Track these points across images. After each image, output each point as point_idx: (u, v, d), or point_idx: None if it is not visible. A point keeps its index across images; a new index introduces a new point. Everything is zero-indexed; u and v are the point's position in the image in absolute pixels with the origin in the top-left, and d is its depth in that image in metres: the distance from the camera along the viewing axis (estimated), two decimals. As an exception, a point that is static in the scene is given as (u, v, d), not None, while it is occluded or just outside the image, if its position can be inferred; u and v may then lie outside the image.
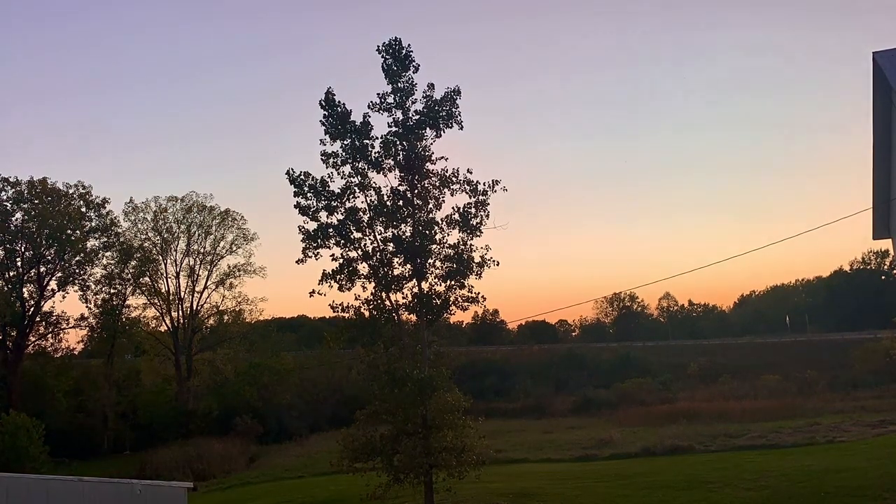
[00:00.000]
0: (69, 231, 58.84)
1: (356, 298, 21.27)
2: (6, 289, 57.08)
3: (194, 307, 66.52)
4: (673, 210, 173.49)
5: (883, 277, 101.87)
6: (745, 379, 56.21)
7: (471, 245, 21.09)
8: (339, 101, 20.93)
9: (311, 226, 21.32)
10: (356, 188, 21.23)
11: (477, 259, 21.08)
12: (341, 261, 21.30)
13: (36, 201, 58.16)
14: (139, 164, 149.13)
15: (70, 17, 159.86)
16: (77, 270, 60.72)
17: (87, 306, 61.77)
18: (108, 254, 62.15)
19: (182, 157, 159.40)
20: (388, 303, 21.32)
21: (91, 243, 61.26)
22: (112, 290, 62.60)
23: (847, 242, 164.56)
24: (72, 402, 59.84)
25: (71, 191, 60.08)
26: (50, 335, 61.21)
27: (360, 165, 21.16)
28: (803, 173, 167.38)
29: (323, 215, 21.33)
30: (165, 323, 65.68)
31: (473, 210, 21.03)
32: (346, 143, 21.07)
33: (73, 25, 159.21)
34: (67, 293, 60.72)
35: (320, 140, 21.22)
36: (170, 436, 51.55)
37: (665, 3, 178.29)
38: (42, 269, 59.12)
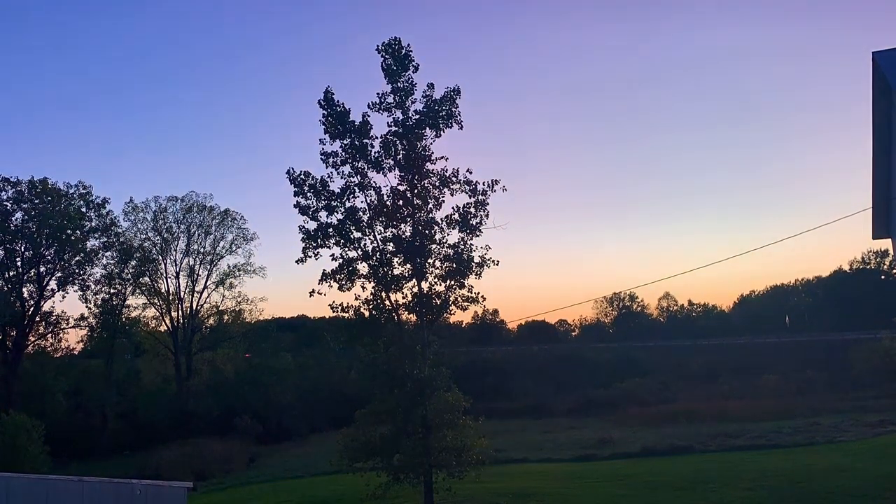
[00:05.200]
0: (69, 231, 58.80)
1: (356, 298, 21.33)
2: (6, 289, 57.05)
3: (194, 307, 66.62)
4: (673, 210, 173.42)
5: (883, 277, 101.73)
6: (745, 379, 56.10)
7: (470, 245, 21.15)
8: (338, 101, 20.98)
9: (311, 225, 21.40)
10: (356, 188, 21.27)
11: (477, 259, 21.13)
12: (341, 261, 21.34)
13: (36, 201, 58.12)
14: (139, 164, 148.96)
15: (69, 17, 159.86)
16: (77, 270, 60.70)
17: (86, 306, 61.85)
18: (108, 254, 62.22)
19: (182, 157, 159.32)
20: (388, 303, 21.34)
21: (91, 243, 61.31)
22: (112, 290, 62.62)
23: (847, 242, 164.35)
24: (72, 402, 59.84)
25: (71, 191, 60.12)
26: (50, 335, 61.23)
27: (359, 165, 21.20)
28: (803, 173, 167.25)
29: (323, 215, 21.39)
30: (165, 323, 65.77)
31: (473, 210, 21.07)
32: (345, 142, 21.11)
33: (72, 25, 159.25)
34: (67, 293, 60.75)
35: (320, 140, 21.30)
36: (170, 436, 51.53)
37: (663, 2, 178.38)
38: (42, 269, 59.07)
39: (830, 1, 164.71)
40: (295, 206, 21.28)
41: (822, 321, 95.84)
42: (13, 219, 57.79)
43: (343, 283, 21.30)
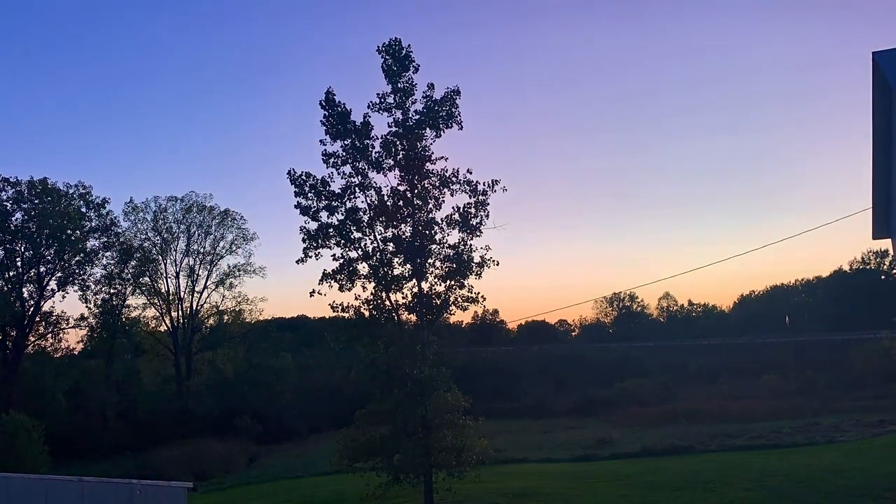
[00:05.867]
0: (69, 231, 58.73)
1: (356, 298, 21.37)
2: (6, 289, 57.01)
3: (194, 307, 66.55)
4: (673, 210, 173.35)
5: (883, 277, 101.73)
6: (744, 379, 56.11)
7: (471, 245, 21.18)
8: (339, 102, 21.02)
9: (312, 226, 21.45)
10: (356, 188, 21.30)
11: (477, 259, 21.17)
12: (341, 261, 21.37)
13: (36, 201, 58.05)
14: (139, 164, 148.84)
15: (70, 17, 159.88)
16: (77, 270, 60.64)
17: (86, 306, 61.73)
18: (108, 254, 62.09)
19: (182, 157, 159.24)
20: (388, 303, 21.37)
21: (91, 243, 61.17)
22: (112, 290, 62.53)
23: (847, 242, 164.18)
24: (72, 402, 59.79)
25: (71, 191, 59.99)
26: (50, 335, 61.09)
27: (360, 165, 21.24)
28: (803, 173, 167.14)
29: (323, 215, 21.43)
30: (165, 323, 65.71)
31: (473, 210, 21.10)
32: (346, 143, 21.16)
33: (72, 24, 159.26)
34: (67, 293, 60.59)
35: (321, 140, 21.35)
36: (170, 436, 51.53)
37: (662, 3, 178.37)
38: (42, 269, 58.99)
39: (830, 1, 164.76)
40: (296, 206, 21.35)
41: (822, 321, 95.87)
42: (13, 219, 57.71)
43: (343, 283, 21.33)
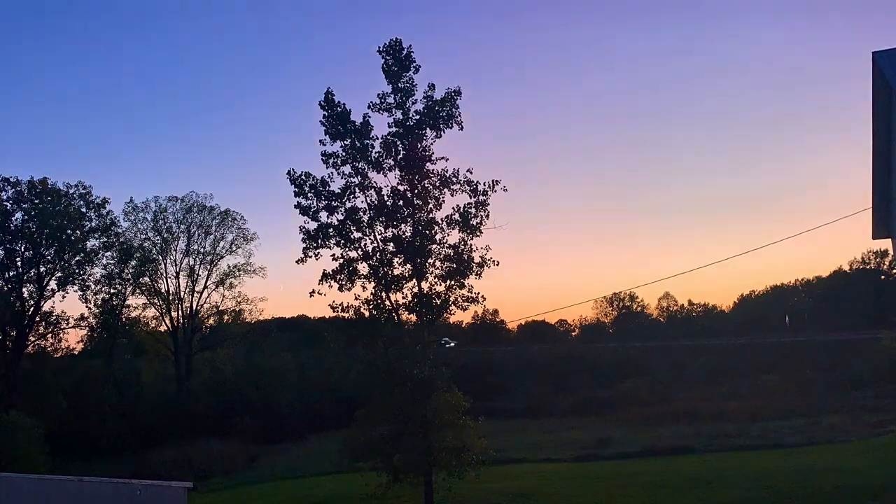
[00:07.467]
0: (69, 231, 58.75)
1: (356, 298, 21.39)
2: (6, 289, 57.02)
3: (194, 307, 66.55)
4: (673, 209, 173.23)
5: (883, 277, 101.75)
6: (745, 379, 56.11)
7: (471, 245, 21.18)
8: (339, 102, 21.04)
9: (312, 226, 21.47)
10: (356, 188, 21.32)
11: (477, 259, 21.17)
12: (341, 261, 21.38)
13: (36, 201, 58.05)
14: (139, 164, 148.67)
15: (69, 17, 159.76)
16: (77, 270, 60.58)
17: (87, 306, 61.65)
18: (108, 254, 62.04)
19: (182, 157, 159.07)
20: (388, 303, 21.38)
21: (91, 243, 61.12)
22: (112, 290, 62.48)
23: (847, 242, 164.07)
24: (72, 402, 59.79)
25: (71, 191, 59.94)
26: (49, 335, 61.04)
27: (360, 165, 21.25)
28: (803, 173, 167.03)
29: (323, 215, 21.45)
30: (165, 323, 65.72)
31: (473, 210, 21.11)
32: (346, 143, 21.17)
33: (71, 24, 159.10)
34: (67, 293, 60.53)
35: (320, 140, 21.36)
36: (170, 436, 51.52)
37: (662, 3, 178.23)
38: (42, 269, 58.97)
39: (830, 1, 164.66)
40: (296, 206, 21.37)
41: (822, 321, 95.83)
42: (13, 219, 57.71)
43: (343, 283, 21.35)
